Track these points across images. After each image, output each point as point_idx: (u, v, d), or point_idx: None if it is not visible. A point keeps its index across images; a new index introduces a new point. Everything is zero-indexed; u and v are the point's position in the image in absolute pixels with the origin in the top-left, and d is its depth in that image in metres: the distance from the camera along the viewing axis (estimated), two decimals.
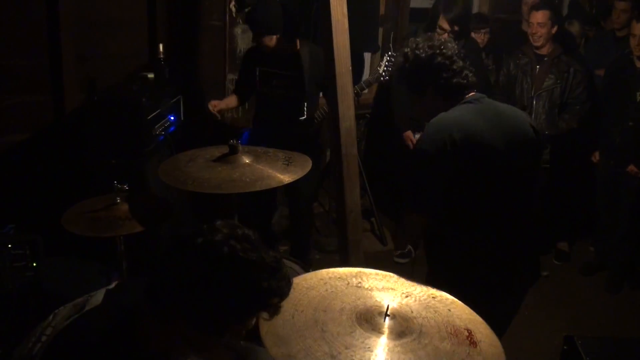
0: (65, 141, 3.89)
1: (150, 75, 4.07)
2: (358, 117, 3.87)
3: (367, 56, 5.94)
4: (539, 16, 4.67)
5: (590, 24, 5.92)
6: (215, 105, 4.29)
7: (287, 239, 5.06)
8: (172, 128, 4.11)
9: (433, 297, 2.24)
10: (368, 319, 2.02)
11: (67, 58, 3.84)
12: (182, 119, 4.32)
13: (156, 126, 3.90)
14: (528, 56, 4.80)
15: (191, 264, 1.59)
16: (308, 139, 4.28)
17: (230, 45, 4.93)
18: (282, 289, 1.68)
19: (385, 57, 4.42)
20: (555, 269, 5.10)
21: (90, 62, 4.04)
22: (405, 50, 2.78)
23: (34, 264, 2.95)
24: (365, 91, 5.06)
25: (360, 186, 3.74)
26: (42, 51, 3.78)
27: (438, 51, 2.67)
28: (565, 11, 6.46)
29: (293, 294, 1.72)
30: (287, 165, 3.14)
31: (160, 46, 4.17)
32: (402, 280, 2.32)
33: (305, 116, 4.26)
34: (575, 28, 5.63)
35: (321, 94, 4.25)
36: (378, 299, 2.15)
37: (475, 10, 6.23)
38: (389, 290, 2.24)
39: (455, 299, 2.25)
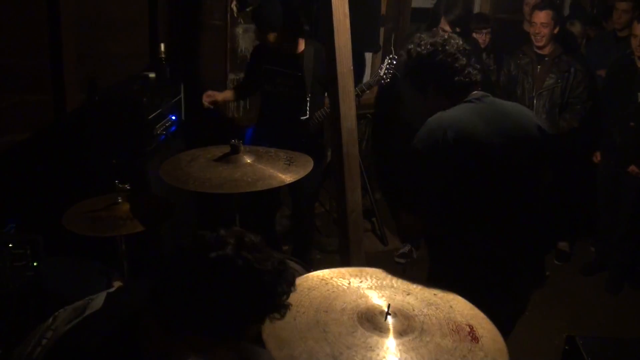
0: (66, 141, 3.89)
1: (152, 75, 4.07)
2: (359, 117, 3.87)
3: (368, 56, 5.94)
4: (542, 16, 4.68)
5: (591, 24, 5.92)
6: (209, 96, 4.34)
7: (288, 238, 5.06)
8: (173, 128, 4.11)
9: (434, 294, 2.25)
10: (369, 318, 2.02)
11: (68, 58, 3.84)
12: (182, 118, 4.31)
13: (157, 126, 3.89)
14: (529, 56, 4.81)
15: (207, 280, 1.58)
16: (310, 139, 4.29)
17: (232, 45, 4.93)
18: (291, 289, 1.69)
19: (386, 60, 4.42)
20: (555, 269, 5.10)
21: (91, 62, 4.03)
22: (409, 46, 2.76)
23: (35, 264, 2.94)
24: (367, 92, 5.07)
25: (361, 186, 3.74)
26: (43, 51, 3.78)
27: (440, 48, 2.64)
28: (566, 11, 6.47)
29: (294, 295, 1.73)
30: (289, 165, 3.14)
31: (162, 46, 4.17)
32: (403, 278, 2.32)
33: (307, 116, 4.27)
34: (576, 28, 5.64)
35: (326, 94, 4.26)
36: (379, 298, 2.15)
37: (476, 10, 6.23)
38: (390, 288, 2.24)
39: (457, 295, 2.25)
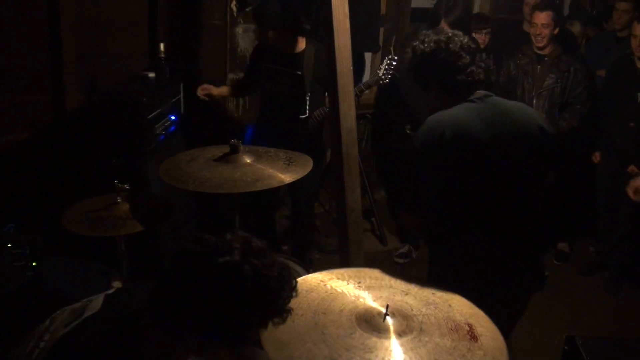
0: (66, 141, 3.89)
1: (151, 75, 4.07)
2: (358, 117, 3.87)
3: (368, 56, 5.94)
4: (543, 17, 4.67)
5: (591, 24, 5.92)
6: (204, 89, 4.37)
7: (287, 238, 5.06)
8: (172, 127, 4.11)
9: (433, 294, 2.24)
10: (368, 319, 2.02)
11: (67, 57, 3.84)
12: (182, 117, 4.32)
13: (157, 125, 3.89)
14: (528, 56, 4.81)
15: (213, 284, 1.57)
16: (309, 138, 4.30)
17: (231, 45, 4.93)
18: (293, 294, 1.70)
19: (385, 60, 4.42)
20: (555, 269, 5.10)
21: (91, 62, 4.03)
22: (414, 43, 2.76)
23: (34, 264, 2.94)
24: (366, 92, 5.07)
25: (360, 186, 3.74)
26: (42, 50, 3.77)
27: (443, 46, 2.63)
28: (566, 11, 6.47)
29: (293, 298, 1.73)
30: (288, 165, 3.14)
31: (161, 45, 4.18)
32: (402, 278, 2.32)
33: (307, 115, 4.27)
34: (576, 28, 5.64)
35: (326, 94, 4.27)
36: (377, 299, 2.15)
37: (476, 10, 6.23)
38: (388, 289, 2.24)
39: (456, 294, 2.25)
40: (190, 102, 4.43)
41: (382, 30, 5.89)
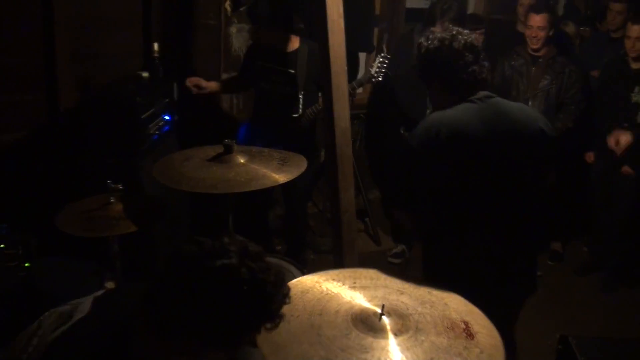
0: (59, 140, 3.88)
1: (145, 74, 4.06)
2: (352, 117, 3.87)
3: (362, 56, 5.94)
4: (539, 20, 4.66)
5: (585, 24, 5.93)
6: (192, 80, 4.35)
7: (281, 238, 5.05)
8: (166, 127, 4.10)
9: (428, 292, 2.24)
10: (364, 319, 2.01)
11: (61, 56, 3.83)
12: (175, 118, 4.31)
13: (150, 125, 3.88)
14: (523, 57, 4.81)
15: (210, 288, 1.56)
16: (303, 137, 4.30)
17: (225, 45, 4.93)
18: (286, 300, 1.69)
19: (378, 58, 4.42)
20: (548, 269, 5.11)
21: (85, 61, 4.02)
22: (421, 40, 2.75)
23: (27, 264, 2.94)
24: (359, 90, 5.07)
25: (354, 186, 3.73)
26: (36, 49, 3.76)
27: (447, 43, 2.62)
28: (560, 12, 6.47)
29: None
30: (282, 165, 3.14)
31: (155, 45, 4.16)
32: (397, 277, 2.32)
33: (299, 113, 4.28)
34: (570, 29, 5.64)
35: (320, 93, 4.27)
36: (373, 299, 2.14)
37: (470, 10, 6.23)
38: (383, 288, 2.24)
39: (451, 292, 2.25)
40: (184, 101, 4.42)
41: (376, 30, 5.90)
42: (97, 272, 3.14)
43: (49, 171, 3.80)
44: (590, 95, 4.85)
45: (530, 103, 4.68)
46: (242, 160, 3.11)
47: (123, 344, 1.62)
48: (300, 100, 4.27)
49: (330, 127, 3.50)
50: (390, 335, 1.95)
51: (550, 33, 4.70)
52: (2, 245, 2.86)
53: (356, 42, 4.87)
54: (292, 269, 3.24)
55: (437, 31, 2.75)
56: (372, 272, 2.36)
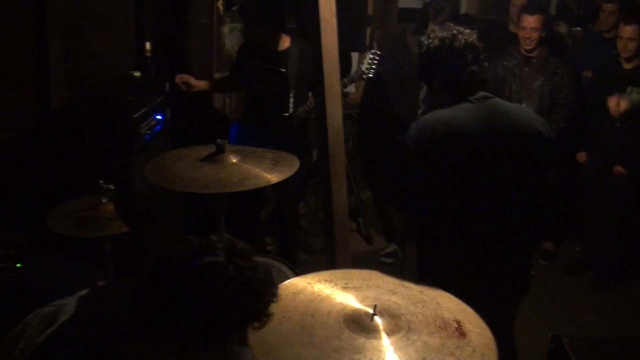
0: (51, 140, 3.86)
1: (137, 74, 4.05)
2: (345, 116, 3.87)
3: (355, 56, 5.93)
4: (532, 21, 4.66)
5: (577, 25, 5.94)
6: (181, 77, 4.34)
7: (273, 238, 5.05)
8: (158, 127, 4.09)
9: (420, 292, 2.24)
10: (356, 320, 2.01)
11: (53, 56, 3.81)
12: (168, 117, 4.30)
13: (142, 125, 3.87)
14: (516, 58, 4.81)
15: (197, 286, 1.55)
16: (295, 136, 4.30)
17: (218, 44, 4.92)
18: (273, 299, 1.68)
19: (368, 55, 4.43)
20: (541, 269, 5.11)
21: (77, 60, 4.01)
22: (422, 38, 2.75)
23: (18, 265, 2.92)
24: (351, 88, 5.06)
25: (346, 186, 3.73)
26: (28, 48, 3.75)
27: (448, 43, 2.61)
28: (552, 12, 6.48)
29: (281, 299, 1.72)
30: (275, 164, 3.13)
31: (147, 44, 4.15)
32: (389, 278, 2.32)
33: (290, 112, 4.28)
34: (562, 29, 5.64)
35: (310, 93, 4.27)
36: (365, 299, 2.14)
37: (463, 10, 6.24)
38: (375, 289, 2.23)
39: (444, 291, 2.25)
40: (176, 101, 4.40)
41: (368, 30, 5.89)
42: (89, 273, 3.12)
43: (41, 171, 3.79)
44: (582, 95, 4.86)
45: (523, 104, 4.68)
46: (234, 160, 3.11)
47: (110, 345, 1.61)
48: (291, 99, 4.28)
49: (323, 126, 3.50)
50: (383, 336, 1.95)
51: (543, 34, 4.71)
52: None
53: (349, 42, 4.87)
54: (285, 269, 3.23)
55: (438, 29, 2.74)
56: (364, 273, 2.36)
